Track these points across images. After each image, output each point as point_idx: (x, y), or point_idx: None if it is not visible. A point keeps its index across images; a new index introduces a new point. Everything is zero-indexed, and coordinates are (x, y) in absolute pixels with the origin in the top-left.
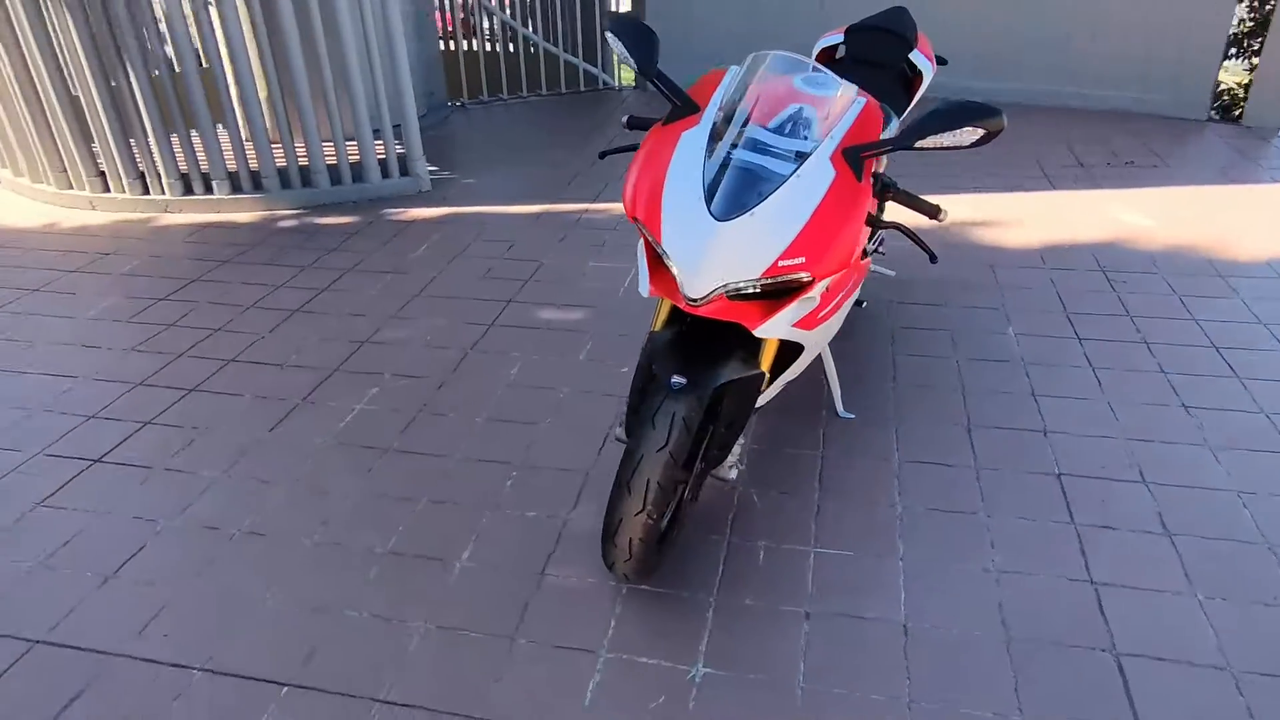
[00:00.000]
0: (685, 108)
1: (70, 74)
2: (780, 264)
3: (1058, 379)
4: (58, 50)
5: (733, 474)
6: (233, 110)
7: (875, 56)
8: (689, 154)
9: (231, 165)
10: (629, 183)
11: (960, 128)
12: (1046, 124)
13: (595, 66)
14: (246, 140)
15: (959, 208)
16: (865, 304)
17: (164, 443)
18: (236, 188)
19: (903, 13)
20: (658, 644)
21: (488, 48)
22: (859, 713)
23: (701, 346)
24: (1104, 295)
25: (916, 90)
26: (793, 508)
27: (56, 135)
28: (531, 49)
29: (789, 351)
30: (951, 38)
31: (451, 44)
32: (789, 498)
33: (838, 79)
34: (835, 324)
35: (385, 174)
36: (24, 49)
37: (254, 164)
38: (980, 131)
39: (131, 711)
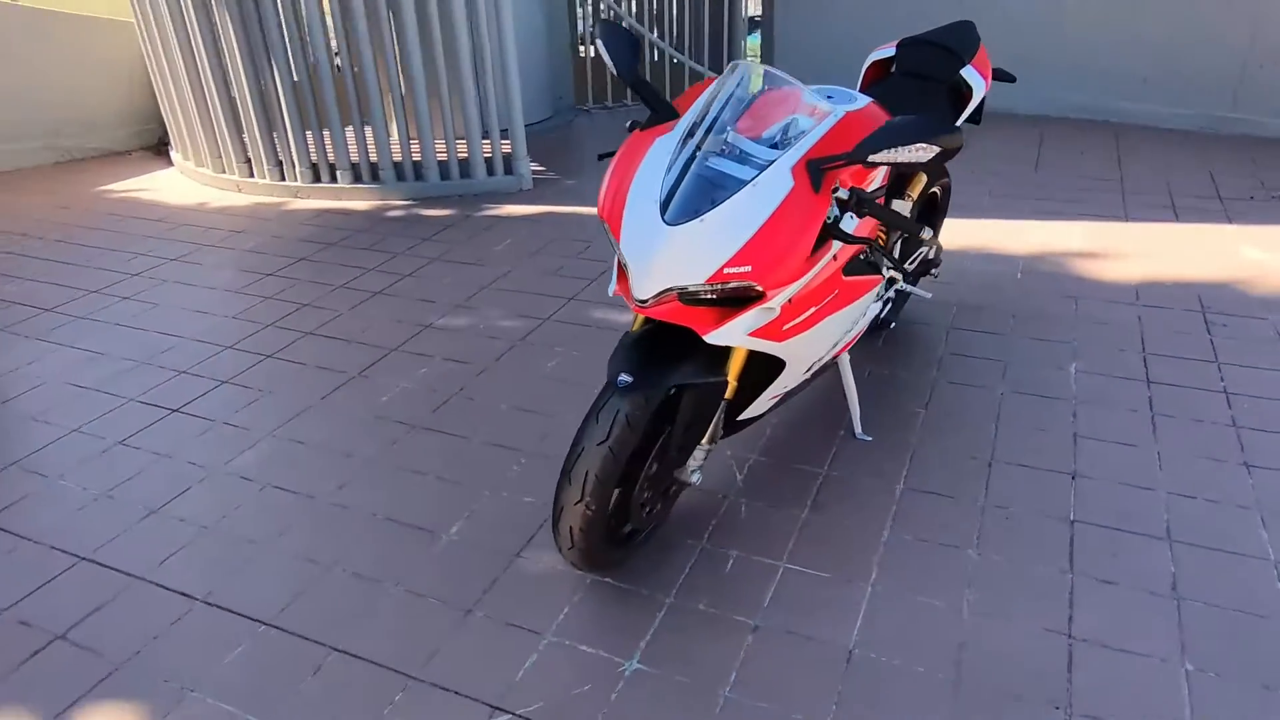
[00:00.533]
0: (663, 114)
1: (230, 76)
2: (726, 271)
3: (1107, 421)
4: (222, 56)
5: (695, 478)
6: (358, 109)
7: (925, 71)
8: (657, 159)
9: (354, 157)
10: (602, 185)
11: (912, 144)
12: (1196, 151)
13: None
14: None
15: (1060, 235)
16: (895, 325)
17: (231, 401)
18: (357, 178)
19: (965, 27)
20: (602, 635)
21: None
22: None
23: (663, 349)
24: (1196, 338)
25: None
26: (777, 521)
27: (215, 127)
28: (658, 56)
29: (775, 365)
30: (1113, 58)
31: (584, 50)
32: (776, 511)
33: (819, 91)
34: (821, 340)
35: (490, 171)
36: (195, 55)
37: (373, 157)
38: (934, 149)
39: (136, 628)
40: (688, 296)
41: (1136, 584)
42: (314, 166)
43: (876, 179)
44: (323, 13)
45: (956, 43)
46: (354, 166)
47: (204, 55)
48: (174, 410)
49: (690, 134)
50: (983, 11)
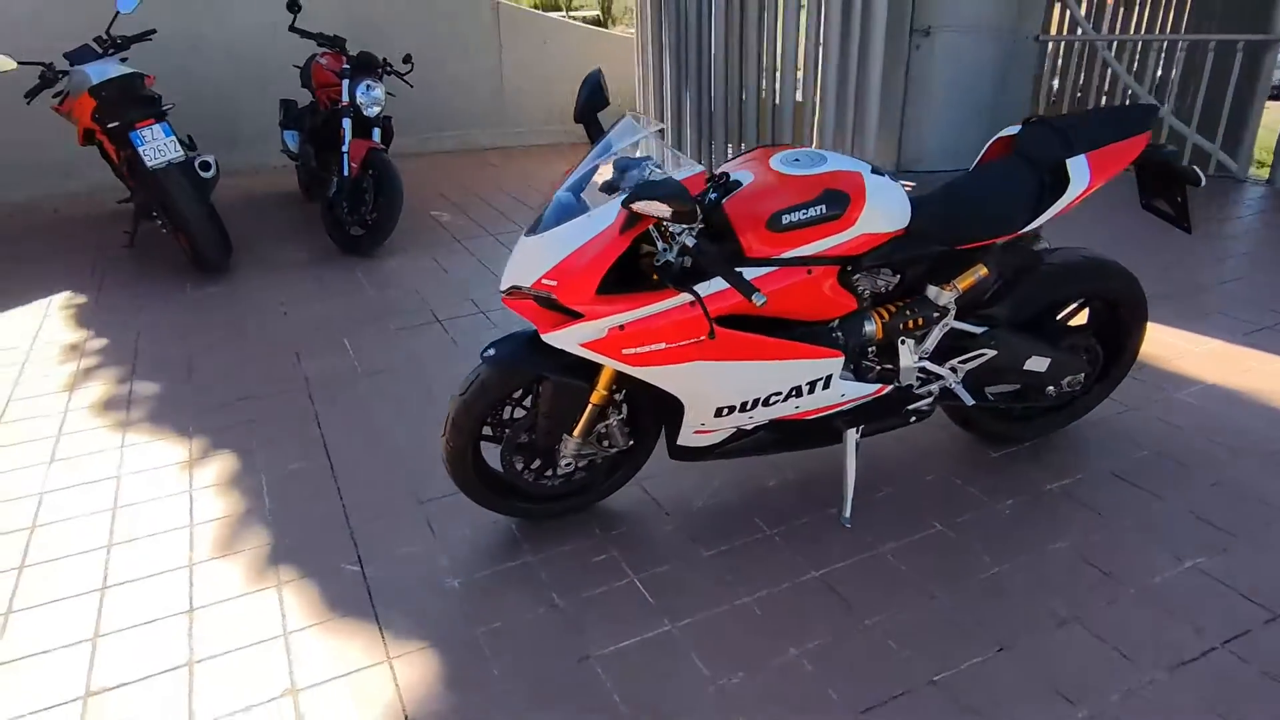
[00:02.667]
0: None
1: (667, 92)
2: (543, 281)
3: (1133, 625)
4: (662, 78)
5: (564, 464)
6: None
7: (1031, 153)
8: (565, 184)
9: None
10: None
11: (652, 200)
12: None
13: (1212, 142)
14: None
15: None
16: (914, 420)
17: (472, 326)
18: None
19: (1129, 113)
20: (466, 554)
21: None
22: (467, 688)
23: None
24: None
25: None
26: (673, 547)
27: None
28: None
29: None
30: None
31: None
32: (687, 542)
33: (789, 155)
34: (707, 383)
35: None
36: (650, 75)
37: None
38: (666, 209)
39: (284, 419)
40: (543, 300)
41: None
42: None
43: (810, 248)
44: (760, 53)
45: (1084, 129)
46: None
47: (652, 77)
48: (436, 321)
49: (605, 168)
50: None
